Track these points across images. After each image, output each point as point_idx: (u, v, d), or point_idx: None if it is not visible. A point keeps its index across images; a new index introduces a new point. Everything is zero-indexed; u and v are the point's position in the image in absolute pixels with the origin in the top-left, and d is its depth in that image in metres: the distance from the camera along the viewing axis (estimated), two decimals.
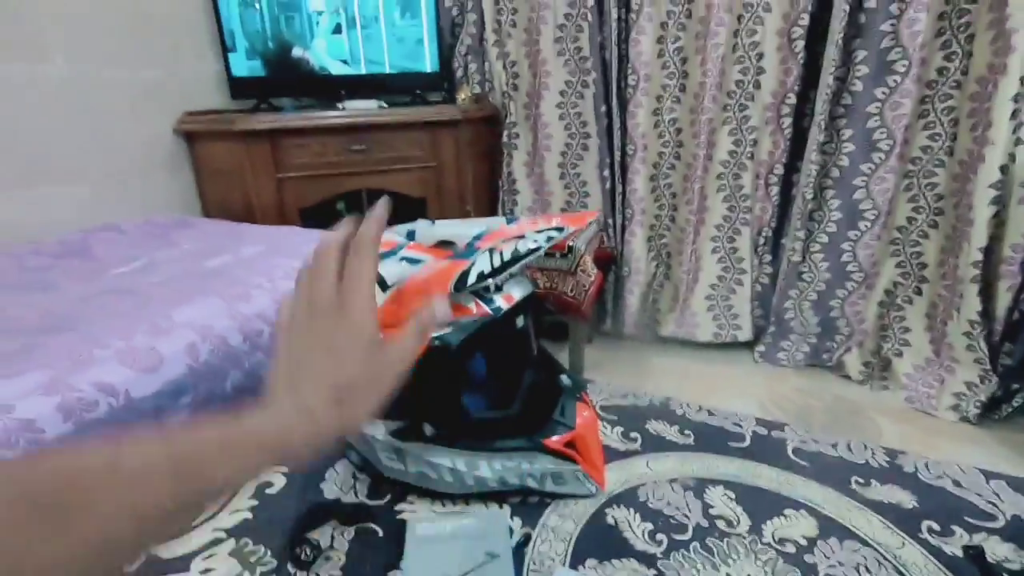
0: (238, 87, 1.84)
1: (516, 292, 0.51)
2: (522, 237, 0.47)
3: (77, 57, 1.51)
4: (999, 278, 1.44)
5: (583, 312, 1.67)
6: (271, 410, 0.33)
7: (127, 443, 0.27)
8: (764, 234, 1.80)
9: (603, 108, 1.81)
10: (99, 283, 1.12)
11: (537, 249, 0.46)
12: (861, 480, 0.55)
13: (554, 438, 0.52)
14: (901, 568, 0.47)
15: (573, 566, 0.47)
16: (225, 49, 1.77)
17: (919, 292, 1.64)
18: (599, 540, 0.49)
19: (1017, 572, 0.47)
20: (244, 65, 1.82)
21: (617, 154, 1.85)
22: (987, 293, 1.47)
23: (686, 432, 0.62)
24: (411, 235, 0.57)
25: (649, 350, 1.98)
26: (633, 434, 0.62)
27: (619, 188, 1.89)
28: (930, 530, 0.49)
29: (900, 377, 1.65)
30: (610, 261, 1.94)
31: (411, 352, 0.38)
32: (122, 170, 1.66)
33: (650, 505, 0.52)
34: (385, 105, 1.86)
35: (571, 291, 1.66)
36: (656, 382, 1.80)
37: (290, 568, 0.47)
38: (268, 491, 0.54)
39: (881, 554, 0.47)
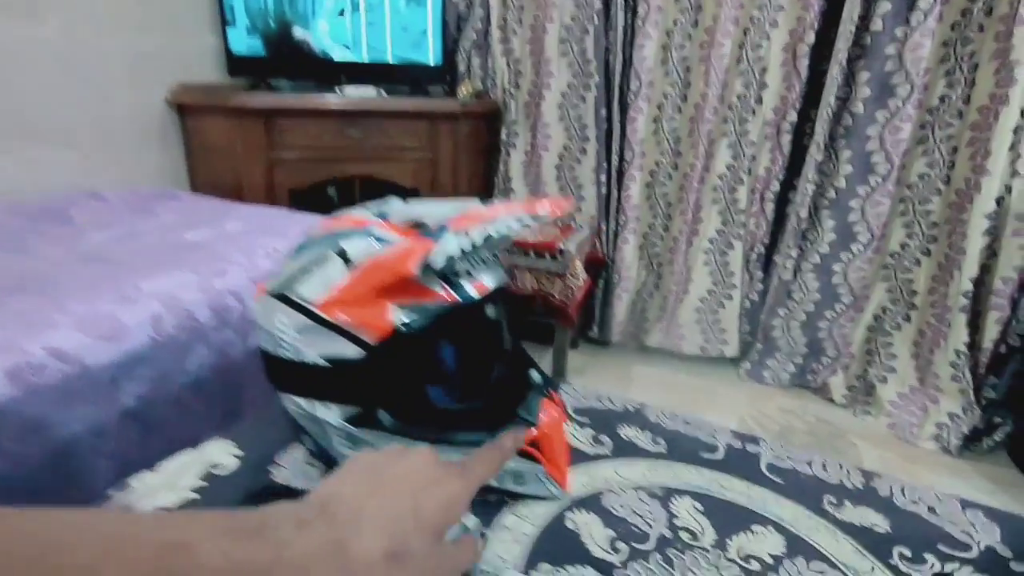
0: (236, 65, 1.81)
1: (488, 280, 0.49)
2: (495, 220, 0.45)
3: (72, 21, 1.48)
4: (988, 310, 1.43)
5: (569, 316, 1.65)
6: (292, 515, 0.25)
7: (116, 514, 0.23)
8: (756, 250, 1.78)
9: (603, 112, 1.80)
10: (74, 249, 1.09)
11: (509, 234, 0.43)
12: (834, 500, 0.53)
13: None
14: None
15: (526, 570, 0.44)
16: (224, 23, 1.74)
17: (908, 319, 1.62)
18: (556, 545, 0.46)
19: None
20: (243, 42, 1.79)
21: (615, 159, 1.84)
22: (975, 324, 1.46)
23: (658, 440, 0.60)
24: (383, 215, 0.54)
25: (634, 358, 1.97)
26: (603, 438, 0.60)
27: (614, 194, 1.87)
28: (902, 556, 0.47)
29: (884, 403, 1.63)
30: (601, 266, 1.92)
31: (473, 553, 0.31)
32: (112, 139, 1.63)
33: (613, 512, 0.50)
34: (384, 93, 1.83)
35: (559, 294, 1.64)
36: (638, 391, 1.78)
37: None
38: (216, 472, 0.52)
39: None
